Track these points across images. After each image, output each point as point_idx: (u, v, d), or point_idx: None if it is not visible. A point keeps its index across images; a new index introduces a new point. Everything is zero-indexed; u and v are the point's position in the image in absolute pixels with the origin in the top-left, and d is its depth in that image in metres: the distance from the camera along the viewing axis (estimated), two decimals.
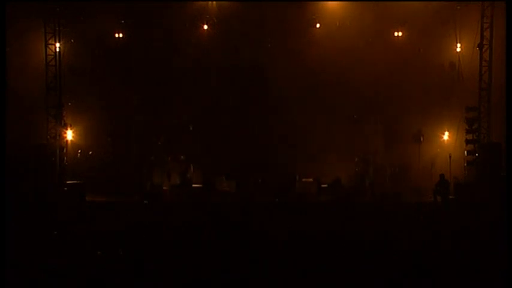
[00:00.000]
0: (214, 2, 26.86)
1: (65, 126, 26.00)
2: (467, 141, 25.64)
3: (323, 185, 25.87)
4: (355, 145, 26.76)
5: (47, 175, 24.64)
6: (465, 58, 26.27)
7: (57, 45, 25.85)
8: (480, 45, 25.54)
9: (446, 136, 26.58)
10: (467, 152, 25.66)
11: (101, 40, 26.86)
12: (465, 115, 25.75)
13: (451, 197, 24.31)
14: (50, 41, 25.74)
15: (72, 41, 26.66)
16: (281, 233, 18.78)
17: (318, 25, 26.93)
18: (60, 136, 25.77)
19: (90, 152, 27.03)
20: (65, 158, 25.93)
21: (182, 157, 26.59)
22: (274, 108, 27.04)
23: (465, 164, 25.75)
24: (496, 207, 20.83)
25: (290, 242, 17.88)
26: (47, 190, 24.05)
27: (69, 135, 26.27)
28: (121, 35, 26.99)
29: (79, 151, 26.82)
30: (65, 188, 24.76)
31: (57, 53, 25.86)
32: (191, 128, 27.45)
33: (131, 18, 26.94)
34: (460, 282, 13.89)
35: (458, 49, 26.43)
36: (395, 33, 26.71)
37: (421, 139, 26.33)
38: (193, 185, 26.19)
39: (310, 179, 26.12)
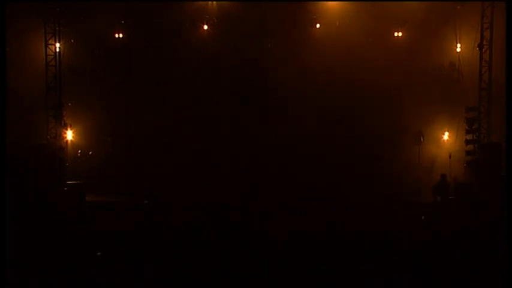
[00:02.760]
0: (214, 2, 26.85)
1: (65, 126, 25.98)
2: (467, 141, 25.57)
3: None
4: (355, 145, 26.68)
5: (47, 175, 24.61)
6: (465, 58, 26.25)
7: (57, 45, 25.83)
8: (480, 45, 25.53)
9: (446, 136, 26.54)
10: (467, 152, 25.62)
11: (101, 40, 26.82)
12: (465, 115, 25.72)
13: (451, 197, 24.33)
14: (50, 41, 25.71)
15: (72, 41, 26.64)
16: (281, 233, 18.79)
17: (318, 25, 26.91)
18: (60, 136, 25.77)
19: (90, 152, 27.00)
20: (65, 158, 25.91)
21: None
22: (274, 108, 26.96)
23: (465, 164, 25.72)
24: (496, 207, 20.84)
25: (290, 242, 17.90)
26: (47, 190, 24.03)
27: (69, 135, 26.24)
28: (121, 35, 26.98)
29: (79, 151, 26.78)
30: (65, 188, 24.74)
31: (57, 53, 25.84)
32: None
33: (131, 18, 26.89)
34: (460, 282, 13.90)
35: (458, 49, 26.40)
36: (395, 33, 26.68)
37: (422, 139, 26.28)
38: None
39: None
